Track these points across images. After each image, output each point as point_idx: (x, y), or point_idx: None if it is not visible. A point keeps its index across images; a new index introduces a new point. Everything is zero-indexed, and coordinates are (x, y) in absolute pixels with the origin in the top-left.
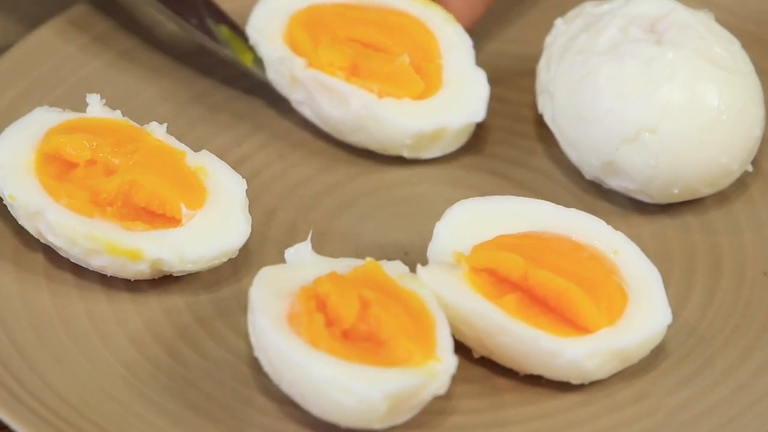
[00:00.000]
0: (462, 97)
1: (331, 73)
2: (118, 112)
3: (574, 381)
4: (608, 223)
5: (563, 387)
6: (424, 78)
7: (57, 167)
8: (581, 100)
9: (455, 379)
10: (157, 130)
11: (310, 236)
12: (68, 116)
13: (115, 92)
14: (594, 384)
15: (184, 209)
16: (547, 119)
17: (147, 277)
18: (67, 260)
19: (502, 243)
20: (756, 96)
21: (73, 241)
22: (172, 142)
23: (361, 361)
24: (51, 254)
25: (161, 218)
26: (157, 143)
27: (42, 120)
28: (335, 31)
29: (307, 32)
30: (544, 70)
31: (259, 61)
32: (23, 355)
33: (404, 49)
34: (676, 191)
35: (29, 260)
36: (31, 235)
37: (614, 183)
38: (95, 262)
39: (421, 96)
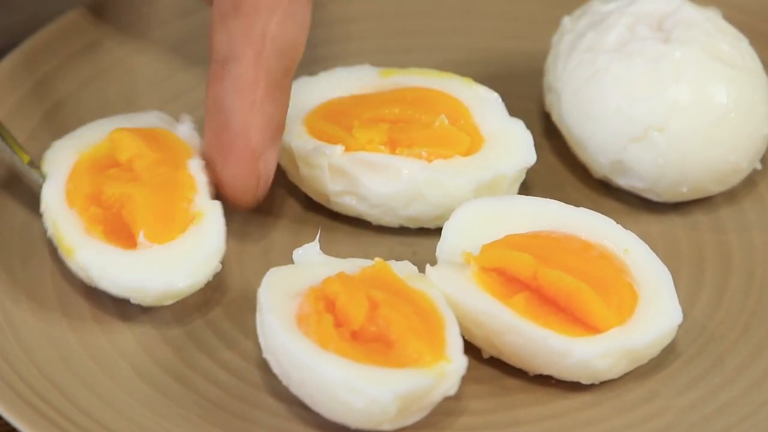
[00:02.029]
0: (509, 145)
1: (373, 149)
2: (194, 134)
3: (585, 381)
4: (617, 222)
5: (573, 387)
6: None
7: (107, 163)
8: (589, 99)
9: (465, 379)
10: (194, 166)
11: (318, 236)
12: (160, 122)
13: (120, 92)
14: (604, 384)
15: (141, 237)
16: (555, 118)
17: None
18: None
19: (512, 242)
20: (764, 93)
21: (49, 224)
22: (200, 178)
23: (370, 362)
24: (58, 273)
25: (133, 240)
26: (183, 176)
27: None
28: (360, 115)
29: (332, 122)
30: (551, 68)
31: (33, 163)
32: (30, 356)
33: (435, 116)
34: (684, 190)
35: (37, 262)
36: (35, 234)
37: (623, 182)
38: (58, 249)
39: (468, 152)
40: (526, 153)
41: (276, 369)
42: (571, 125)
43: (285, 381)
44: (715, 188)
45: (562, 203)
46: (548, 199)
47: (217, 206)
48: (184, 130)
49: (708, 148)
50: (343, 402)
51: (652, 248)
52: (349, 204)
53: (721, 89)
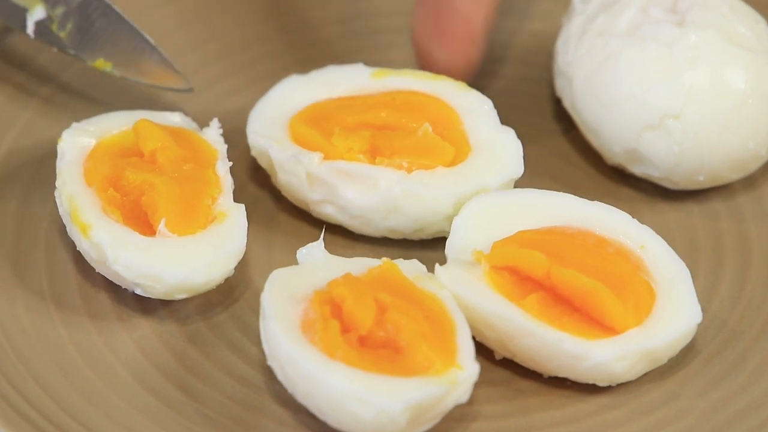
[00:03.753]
0: (496, 155)
1: (351, 158)
2: (220, 139)
3: (601, 383)
4: (632, 210)
5: (589, 389)
6: (452, 144)
7: (128, 151)
8: (601, 86)
9: (477, 382)
10: (221, 167)
11: (322, 235)
12: (184, 123)
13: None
14: (621, 386)
15: (162, 225)
16: (566, 104)
17: (94, 263)
18: (73, 270)
19: (524, 239)
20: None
21: (64, 199)
22: (227, 180)
23: (379, 371)
24: (54, 270)
25: (150, 229)
26: (209, 175)
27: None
28: (344, 120)
29: (314, 127)
30: (561, 51)
31: None
32: (24, 362)
33: (422, 123)
34: (701, 178)
35: (31, 270)
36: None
37: (638, 170)
38: (67, 227)
39: (452, 162)
40: (513, 165)
41: (281, 377)
42: (584, 112)
43: (290, 389)
44: (732, 176)
45: (576, 197)
46: (561, 192)
47: (241, 209)
48: (211, 134)
49: (726, 136)
50: (351, 413)
51: (668, 238)
52: (329, 213)
53: (739, 74)
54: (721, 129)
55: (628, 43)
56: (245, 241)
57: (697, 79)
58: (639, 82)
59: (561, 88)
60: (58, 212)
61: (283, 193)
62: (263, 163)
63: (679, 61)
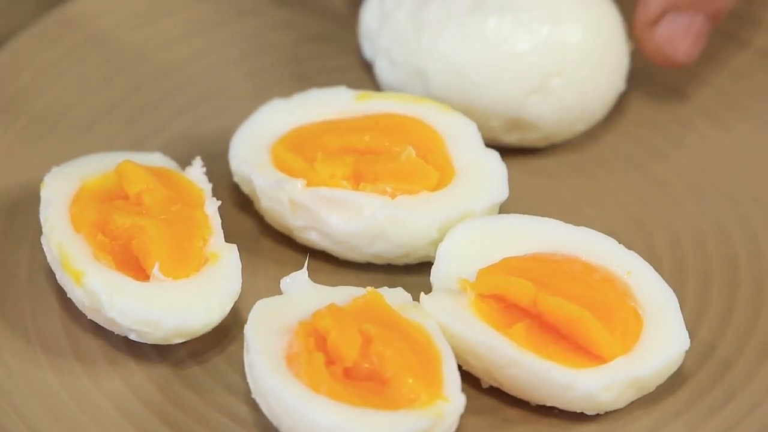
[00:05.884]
0: (480, 179)
1: (334, 185)
2: (204, 178)
3: (589, 412)
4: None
5: (577, 417)
6: (435, 168)
7: (113, 194)
8: (470, 66)
9: (464, 411)
10: (210, 207)
11: (306, 264)
12: (165, 164)
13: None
14: (610, 414)
15: (156, 269)
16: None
17: (87, 311)
18: (60, 315)
19: (509, 266)
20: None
21: (53, 247)
22: (216, 220)
23: (364, 405)
24: (40, 315)
25: (143, 273)
26: (198, 216)
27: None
28: (327, 144)
29: (297, 152)
30: (394, 49)
31: None
32: (7, 399)
33: (405, 146)
34: (580, 127)
35: (16, 316)
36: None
37: (512, 138)
38: (57, 275)
39: (437, 187)
40: (498, 189)
41: (266, 411)
42: (448, 97)
43: (276, 423)
44: (602, 116)
45: (562, 222)
46: (547, 218)
47: (233, 249)
48: (194, 173)
49: (600, 79)
50: None
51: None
52: (312, 239)
53: (597, 17)
54: (596, 73)
55: (483, 18)
56: (240, 283)
57: (566, 33)
58: (513, 52)
59: (403, 83)
60: (37, 256)
61: (266, 219)
62: (246, 189)
63: (543, 22)
